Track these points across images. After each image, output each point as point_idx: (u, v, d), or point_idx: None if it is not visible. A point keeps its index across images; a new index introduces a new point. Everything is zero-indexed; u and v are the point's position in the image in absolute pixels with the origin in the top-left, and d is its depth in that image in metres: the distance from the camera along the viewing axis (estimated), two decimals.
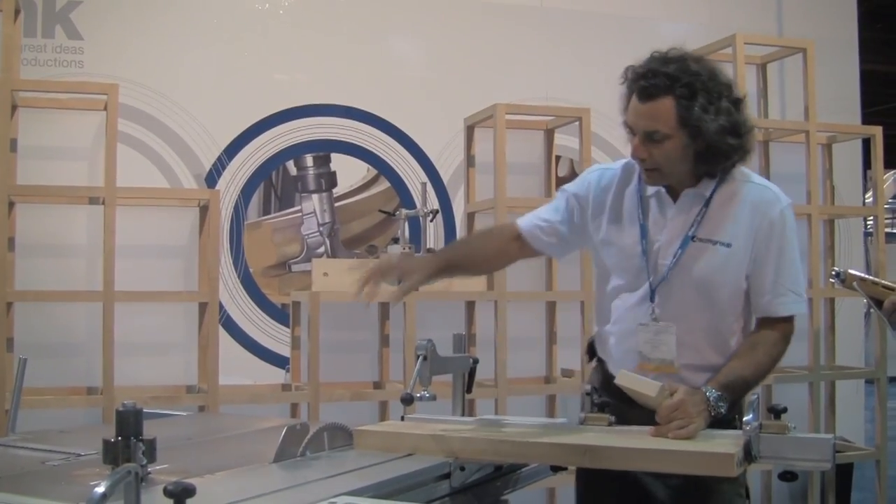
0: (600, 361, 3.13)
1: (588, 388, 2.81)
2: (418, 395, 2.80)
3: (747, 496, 3.01)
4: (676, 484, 2.82)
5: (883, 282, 2.75)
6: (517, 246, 3.11)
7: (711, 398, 2.67)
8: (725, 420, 2.72)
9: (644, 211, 2.94)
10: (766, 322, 2.92)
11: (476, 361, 3.12)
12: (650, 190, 2.94)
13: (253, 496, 2.12)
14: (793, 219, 2.93)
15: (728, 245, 2.86)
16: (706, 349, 2.91)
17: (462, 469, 2.56)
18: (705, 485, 2.77)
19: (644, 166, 2.84)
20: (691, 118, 2.74)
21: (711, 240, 2.86)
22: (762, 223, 2.86)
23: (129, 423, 2.19)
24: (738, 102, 2.85)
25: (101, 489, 1.72)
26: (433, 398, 2.82)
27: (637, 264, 2.92)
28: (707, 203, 2.88)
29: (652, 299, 2.90)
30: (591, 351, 3.19)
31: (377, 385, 5.40)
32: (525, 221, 3.11)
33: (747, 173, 2.95)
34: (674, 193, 2.92)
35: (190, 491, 1.79)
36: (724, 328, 2.92)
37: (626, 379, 2.68)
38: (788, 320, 2.93)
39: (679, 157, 2.80)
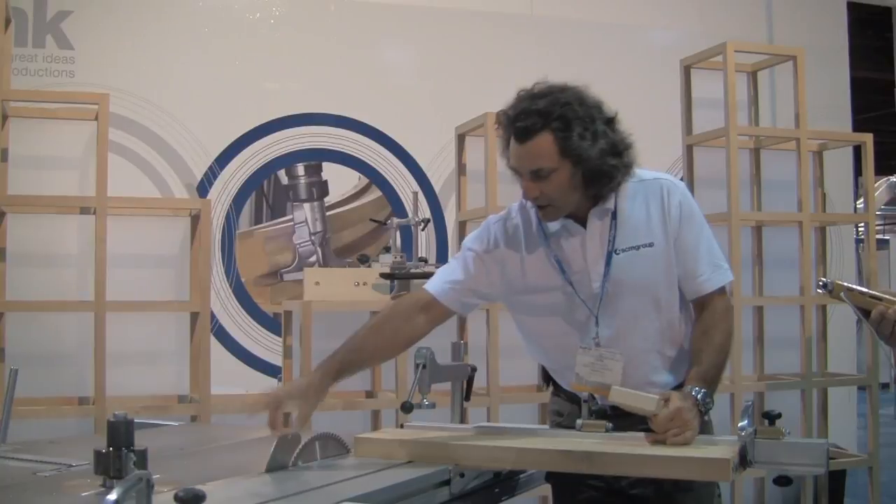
0: (558, 388, 3.14)
1: (585, 395, 2.81)
2: (418, 403, 2.80)
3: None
4: (649, 493, 2.85)
5: (870, 292, 2.74)
6: (426, 317, 3.01)
7: (699, 397, 2.70)
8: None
9: (555, 246, 2.94)
10: (703, 303, 2.94)
11: (474, 370, 3.13)
12: (553, 225, 2.94)
13: (259, 503, 2.13)
14: (691, 198, 2.98)
15: (651, 244, 2.89)
16: (666, 347, 2.95)
17: (461, 476, 2.57)
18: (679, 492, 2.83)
19: (538, 203, 2.85)
20: (571, 148, 2.75)
21: (633, 246, 2.89)
22: (670, 212, 2.90)
23: (121, 433, 2.17)
24: (611, 122, 2.87)
25: (112, 496, 1.71)
26: (433, 406, 2.82)
27: (566, 299, 2.93)
28: (614, 216, 2.90)
29: (596, 323, 2.90)
30: (547, 377, 3.20)
31: (369, 394, 5.39)
32: (437, 287, 3.03)
33: (636, 173, 2.96)
34: (580, 220, 2.92)
35: (200, 497, 1.78)
36: (675, 321, 2.95)
37: (621, 395, 2.67)
38: (721, 293, 2.95)
39: (568, 187, 2.80)
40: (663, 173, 3.08)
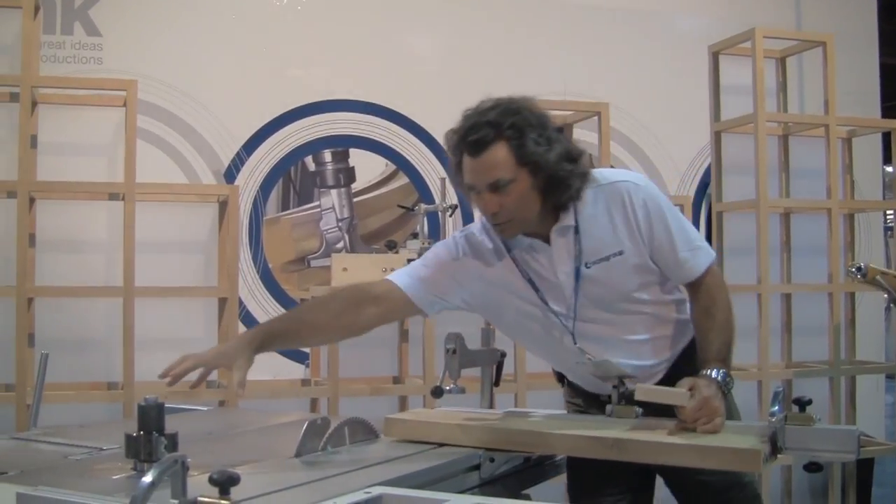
0: (570, 384, 3.16)
1: (616, 380, 2.80)
2: (448, 388, 2.80)
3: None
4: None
5: None
6: (377, 310, 2.93)
7: (720, 379, 2.70)
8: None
9: (523, 264, 2.89)
10: (695, 284, 2.93)
11: (504, 355, 3.12)
12: (520, 243, 2.88)
13: (292, 486, 2.15)
14: (655, 189, 2.90)
15: (620, 253, 2.83)
16: (658, 331, 2.95)
17: (492, 460, 2.57)
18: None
19: (497, 220, 2.77)
20: (527, 155, 2.68)
21: (602, 258, 2.83)
22: (636, 215, 2.83)
23: (152, 417, 2.19)
24: (561, 130, 2.82)
25: (148, 478, 1.73)
26: (462, 391, 2.82)
27: (544, 316, 2.89)
28: (577, 230, 2.83)
29: (574, 341, 2.89)
30: (559, 375, 3.21)
31: (397, 380, 5.40)
32: (404, 280, 2.96)
33: (592, 178, 2.85)
34: (542, 237, 2.86)
35: (235, 479, 1.80)
36: (663, 310, 2.96)
37: (648, 393, 2.65)
38: (709, 271, 2.92)
39: (527, 198, 2.73)
40: (621, 172, 3.02)
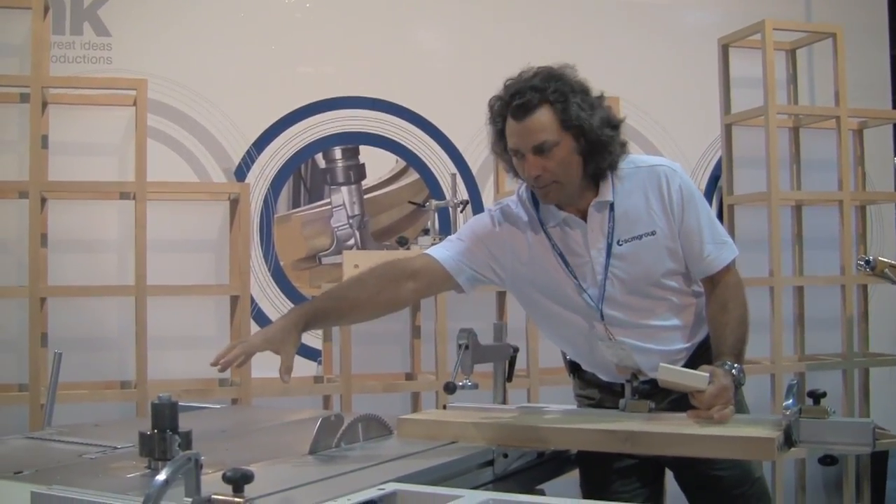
0: (581, 371, 3.18)
1: (629, 375, 2.81)
2: (461, 383, 2.80)
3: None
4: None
5: None
6: (414, 285, 2.95)
7: (735, 372, 2.73)
8: None
9: (556, 239, 2.93)
10: (714, 280, 2.95)
11: (516, 350, 3.13)
12: (553, 220, 2.93)
13: (305, 483, 2.15)
14: (689, 179, 2.98)
15: (652, 233, 2.89)
16: (683, 319, 2.98)
17: (505, 456, 2.58)
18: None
19: (540, 183, 2.80)
20: (571, 118, 2.75)
21: (635, 236, 2.88)
22: (671, 198, 2.89)
23: (165, 415, 2.20)
24: (601, 99, 2.87)
25: (162, 476, 1.73)
26: (475, 387, 2.82)
27: (572, 294, 2.92)
28: (612, 207, 2.88)
29: (602, 317, 2.91)
30: (572, 365, 3.22)
31: (409, 376, 5.40)
32: (444, 255, 2.97)
33: (632, 160, 2.95)
34: (579, 213, 2.91)
35: (248, 477, 1.80)
36: (685, 299, 2.98)
37: (669, 373, 2.66)
38: (730, 269, 2.96)
39: (570, 162, 2.79)
40: (659, 158, 3.08)
